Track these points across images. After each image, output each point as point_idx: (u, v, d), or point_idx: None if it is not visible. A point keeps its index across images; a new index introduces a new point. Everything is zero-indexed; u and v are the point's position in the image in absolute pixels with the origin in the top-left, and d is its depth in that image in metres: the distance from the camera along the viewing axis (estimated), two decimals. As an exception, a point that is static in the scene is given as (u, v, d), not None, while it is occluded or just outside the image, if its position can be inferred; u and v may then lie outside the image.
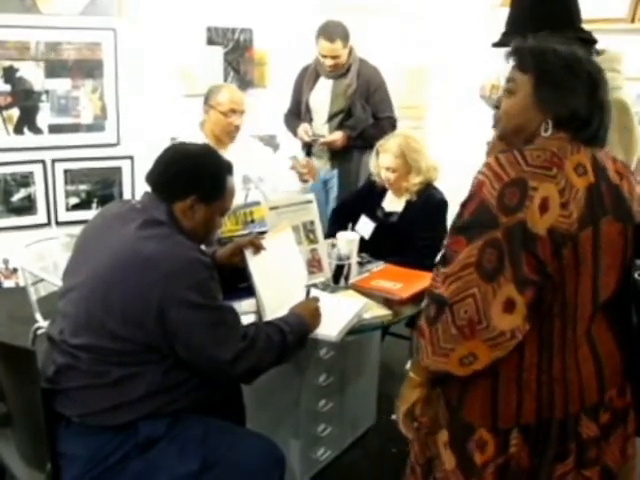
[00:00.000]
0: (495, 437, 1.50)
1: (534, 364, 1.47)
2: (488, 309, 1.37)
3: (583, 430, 1.51)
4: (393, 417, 1.70)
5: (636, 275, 1.55)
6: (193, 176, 2.02)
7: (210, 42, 4.90)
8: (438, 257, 1.54)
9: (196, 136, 3.34)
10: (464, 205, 1.47)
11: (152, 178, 2.06)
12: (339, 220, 3.44)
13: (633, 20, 3.81)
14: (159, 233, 1.93)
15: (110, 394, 1.88)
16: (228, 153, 3.39)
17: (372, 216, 3.29)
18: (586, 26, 3.86)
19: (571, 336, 1.48)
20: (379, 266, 2.90)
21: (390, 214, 3.26)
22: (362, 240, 3.08)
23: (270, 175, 3.58)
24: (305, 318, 2.19)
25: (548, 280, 1.41)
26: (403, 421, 1.66)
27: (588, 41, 2.30)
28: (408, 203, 3.19)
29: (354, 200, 3.50)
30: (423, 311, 1.51)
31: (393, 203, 3.28)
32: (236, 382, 2.24)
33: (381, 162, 3.20)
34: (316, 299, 2.32)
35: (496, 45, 2.28)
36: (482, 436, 1.50)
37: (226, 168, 2.11)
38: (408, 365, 1.63)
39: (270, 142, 4.89)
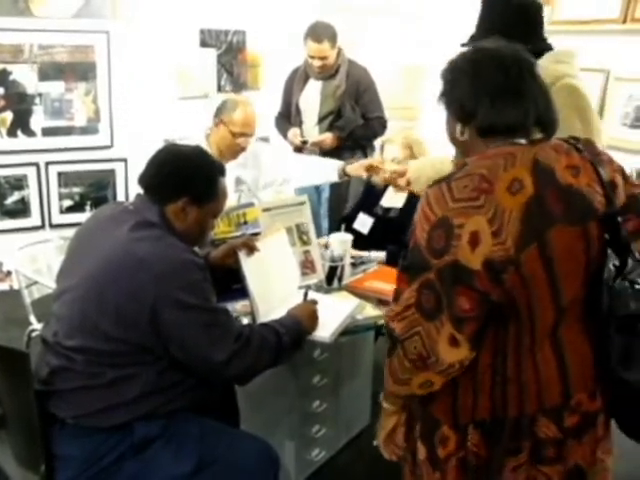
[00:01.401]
0: (456, 433, 1.54)
1: (488, 366, 1.48)
2: (435, 345, 1.41)
3: (540, 430, 1.51)
4: (375, 443, 1.76)
5: (611, 265, 1.48)
6: (185, 178, 2.02)
7: (203, 44, 4.90)
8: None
9: (200, 145, 3.31)
10: (410, 237, 1.49)
11: (144, 180, 2.06)
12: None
13: (625, 21, 3.82)
14: (151, 235, 1.93)
15: (105, 395, 1.88)
16: (229, 166, 3.38)
17: (370, 213, 3.32)
18: (579, 27, 3.90)
19: (528, 340, 1.47)
20: (373, 267, 2.91)
21: (389, 209, 3.29)
22: (361, 236, 3.10)
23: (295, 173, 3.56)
24: (302, 320, 2.18)
25: (494, 304, 1.41)
26: (384, 447, 1.72)
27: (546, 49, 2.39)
28: (409, 198, 3.21)
29: (357, 210, 3.51)
30: (386, 339, 1.55)
31: (393, 199, 3.32)
32: (231, 383, 2.24)
33: (387, 154, 3.22)
34: (314, 302, 2.31)
35: (464, 46, 2.30)
36: (444, 432, 1.55)
37: (218, 170, 2.11)
38: (381, 396, 1.67)
39: (264, 144, 4.89)
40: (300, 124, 4.28)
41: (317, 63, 4.08)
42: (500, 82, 1.47)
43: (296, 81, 4.29)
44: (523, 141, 1.49)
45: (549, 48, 2.40)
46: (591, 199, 1.46)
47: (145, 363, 1.90)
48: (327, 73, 4.15)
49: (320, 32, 4.02)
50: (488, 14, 2.39)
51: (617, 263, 1.48)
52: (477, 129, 1.52)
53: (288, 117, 4.35)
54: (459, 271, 1.38)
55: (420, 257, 1.43)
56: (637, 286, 1.46)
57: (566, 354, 1.50)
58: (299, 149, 4.30)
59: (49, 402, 1.91)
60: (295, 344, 2.13)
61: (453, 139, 1.62)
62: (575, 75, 2.34)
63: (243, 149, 3.30)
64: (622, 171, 1.60)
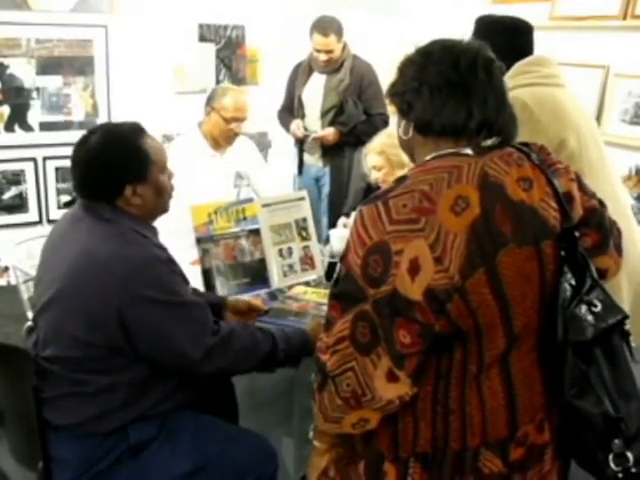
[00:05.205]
0: (396, 467, 1.41)
1: (429, 393, 1.36)
2: (371, 382, 1.30)
3: (484, 465, 1.38)
4: None
5: (566, 285, 1.36)
6: (115, 172, 1.92)
7: (202, 39, 4.89)
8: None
9: (193, 135, 3.32)
10: (342, 260, 1.37)
11: (80, 192, 1.98)
12: None
13: (625, 17, 3.81)
14: (111, 233, 1.87)
15: (93, 403, 1.86)
16: (226, 154, 3.39)
17: None
18: (578, 23, 3.89)
19: (474, 369, 1.34)
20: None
21: None
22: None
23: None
24: (311, 341, 2.03)
25: (438, 336, 1.29)
26: None
27: None
28: None
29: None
30: (316, 372, 1.43)
31: None
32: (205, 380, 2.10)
33: (367, 162, 3.23)
34: None
35: None
36: (385, 467, 1.42)
37: (135, 134, 1.97)
38: (311, 434, 1.57)
39: (262, 140, 4.88)
40: (303, 118, 4.28)
41: (323, 57, 4.09)
42: (446, 74, 1.36)
43: (300, 74, 4.29)
44: (470, 152, 1.38)
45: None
46: (545, 216, 1.35)
47: (124, 367, 1.86)
48: (332, 67, 4.15)
49: (326, 25, 4.03)
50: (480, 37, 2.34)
51: (573, 282, 1.37)
52: (415, 125, 1.42)
53: (291, 111, 4.36)
54: (398, 302, 1.26)
55: (355, 285, 1.30)
56: (594, 309, 1.35)
57: (515, 383, 1.38)
58: (301, 142, 4.30)
59: (43, 408, 1.89)
60: (289, 363, 2.07)
61: (400, 140, 1.52)
62: (531, 84, 2.22)
63: (237, 134, 3.36)
64: (579, 180, 1.50)
